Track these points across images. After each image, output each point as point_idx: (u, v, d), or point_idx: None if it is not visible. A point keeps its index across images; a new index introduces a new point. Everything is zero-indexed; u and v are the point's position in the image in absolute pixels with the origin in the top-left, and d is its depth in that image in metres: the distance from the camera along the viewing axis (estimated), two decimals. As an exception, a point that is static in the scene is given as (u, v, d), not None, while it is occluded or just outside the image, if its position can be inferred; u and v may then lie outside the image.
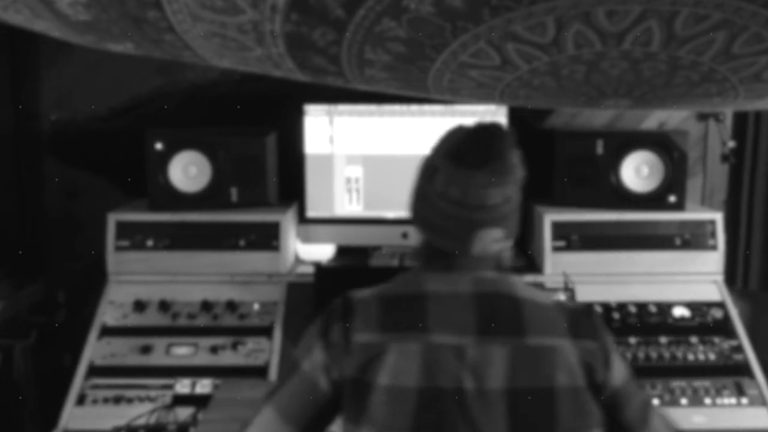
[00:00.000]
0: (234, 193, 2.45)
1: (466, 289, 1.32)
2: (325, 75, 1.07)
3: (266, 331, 2.25)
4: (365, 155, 2.48)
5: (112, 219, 2.38)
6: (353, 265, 2.47)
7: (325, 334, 1.32)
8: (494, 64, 0.95)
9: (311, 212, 2.53)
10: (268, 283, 2.35)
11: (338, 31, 0.90)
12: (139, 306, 2.29)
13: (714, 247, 2.38)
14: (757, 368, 2.16)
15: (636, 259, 2.37)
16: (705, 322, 2.27)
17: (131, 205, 2.52)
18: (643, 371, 2.15)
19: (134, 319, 2.28)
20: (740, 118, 2.70)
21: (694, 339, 2.23)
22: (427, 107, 2.48)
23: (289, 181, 2.55)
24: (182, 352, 2.20)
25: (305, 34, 0.92)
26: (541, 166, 2.54)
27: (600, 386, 1.31)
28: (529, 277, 2.38)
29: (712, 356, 2.19)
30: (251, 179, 2.45)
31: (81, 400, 2.10)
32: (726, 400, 2.08)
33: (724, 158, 2.71)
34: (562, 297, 2.20)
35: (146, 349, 2.20)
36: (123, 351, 2.20)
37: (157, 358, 2.18)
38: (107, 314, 2.29)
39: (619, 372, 1.35)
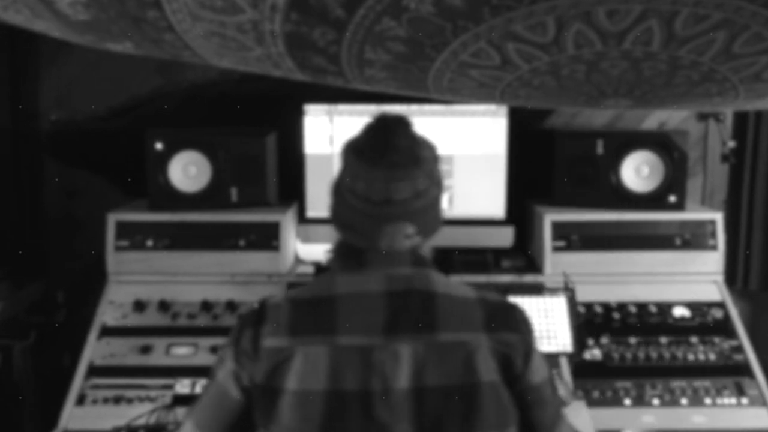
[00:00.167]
0: (234, 193, 2.45)
1: (378, 287, 1.30)
2: (325, 75, 1.07)
3: (266, 331, 2.24)
4: (365, 155, 2.47)
5: (112, 219, 2.38)
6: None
7: (237, 342, 1.32)
8: (494, 64, 0.95)
9: (311, 212, 2.53)
10: (268, 283, 2.35)
11: (338, 30, 0.90)
12: (139, 306, 2.29)
13: (714, 247, 2.38)
14: (757, 368, 2.17)
15: (636, 259, 2.37)
16: (705, 322, 2.27)
17: (131, 205, 2.52)
18: (643, 371, 2.15)
19: (134, 319, 2.28)
20: (740, 118, 2.70)
21: (694, 339, 2.23)
22: (427, 107, 2.48)
23: (289, 181, 2.55)
24: (182, 352, 2.20)
25: (305, 33, 0.92)
26: (541, 166, 2.55)
27: (514, 378, 1.29)
28: (529, 277, 2.38)
29: (712, 356, 2.19)
30: (251, 179, 2.45)
31: (81, 401, 2.09)
32: (726, 401, 2.08)
33: (725, 158, 2.71)
34: (561, 297, 2.20)
35: (146, 349, 2.20)
36: (123, 351, 2.20)
37: (157, 358, 2.18)
38: (107, 314, 2.29)
39: (538, 371, 1.33)
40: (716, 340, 2.23)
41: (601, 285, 2.35)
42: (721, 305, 2.32)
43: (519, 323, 1.33)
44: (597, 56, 0.91)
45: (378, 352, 1.25)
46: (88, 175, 2.79)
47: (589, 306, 2.31)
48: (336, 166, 2.49)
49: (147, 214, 2.41)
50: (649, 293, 2.34)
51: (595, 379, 2.14)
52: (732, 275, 2.66)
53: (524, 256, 2.54)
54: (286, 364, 1.26)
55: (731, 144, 2.69)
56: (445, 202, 2.50)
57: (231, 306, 2.29)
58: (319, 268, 2.35)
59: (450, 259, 2.52)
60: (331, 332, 1.27)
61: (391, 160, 1.30)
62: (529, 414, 1.33)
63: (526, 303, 2.20)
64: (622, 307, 2.31)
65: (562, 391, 2.04)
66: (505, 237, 2.51)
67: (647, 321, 2.28)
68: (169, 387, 2.11)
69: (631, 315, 2.29)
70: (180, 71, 2.70)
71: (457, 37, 0.88)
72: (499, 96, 1.08)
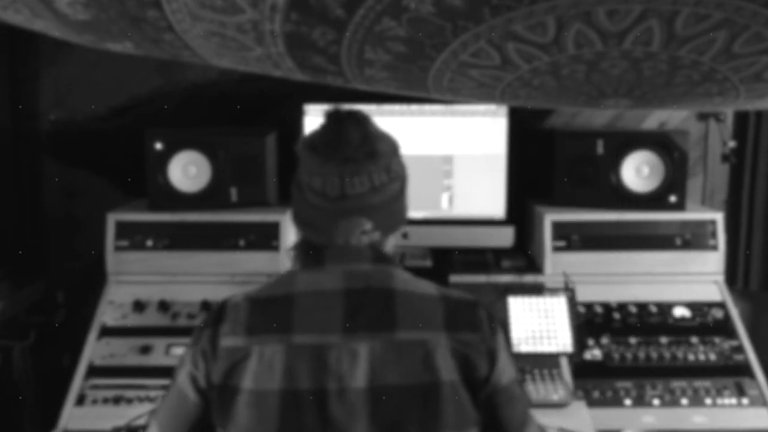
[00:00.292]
0: (234, 193, 2.45)
1: (336, 285, 1.29)
2: (324, 75, 1.07)
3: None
4: (365, 155, 2.48)
5: (112, 219, 2.38)
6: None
7: (196, 342, 1.31)
8: (494, 64, 0.94)
9: (311, 212, 2.52)
10: (268, 283, 2.34)
11: (338, 30, 0.90)
12: (139, 306, 2.29)
13: (714, 247, 2.37)
14: (757, 368, 2.16)
15: (636, 259, 2.37)
16: (705, 323, 2.27)
17: (131, 205, 2.52)
18: (644, 371, 2.15)
19: (134, 320, 2.28)
20: (741, 118, 2.70)
21: (694, 339, 2.23)
22: (427, 107, 2.48)
23: (289, 181, 2.53)
24: (182, 352, 2.19)
25: (305, 33, 0.92)
26: (542, 166, 2.55)
27: (480, 381, 1.26)
28: (530, 277, 2.38)
29: (712, 356, 2.19)
30: (251, 179, 2.44)
31: (80, 401, 2.09)
32: (726, 401, 2.08)
33: (725, 158, 2.71)
34: (562, 297, 2.20)
35: (146, 350, 2.19)
36: (122, 351, 2.20)
37: (156, 359, 2.18)
38: (107, 314, 2.29)
39: (504, 372, 1.30)
40: (716, 340, 2.23)
41: (602, 285, 2.35)
42: (721, 305, 2.32)
43: (480, 322, 1.30)
44: (597, 56, 0.91)
45: (335, 350, 1.23)
46: (88, 175, 2.79)
47: (589, 306, 2.31)
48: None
49: (147, 214, 2.41)
50: (650, 293, 2.34)
51: (596, 379, 2.13)
52: (732, 275, 2.66)
53: (524, 256, 2.54)
54: (242, 363, 1.25)
55: (732, 144, 2.68)
56: (445, 201, 2.51)
57: (231, 306, 2.29)
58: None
59: (450, 259, 2.52)
60: (287, 331, 1.25)
61: (344, 154, 1.29)
62: (497, 415, 1.30)
63: (526, 303, 2.20)
64: (622, 307, 2.31)
65: (562, 391, 2.04)
66: (505, 237, 2.50)
67: (647, 321, 2.28)
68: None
69: (632, 315, 2.29)
70: (180, 71, 2.70)
71: (457, 37, 0.88)
72: (499, 96, 1.08)
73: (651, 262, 2.37)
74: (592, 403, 2.06)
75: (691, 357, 2.19)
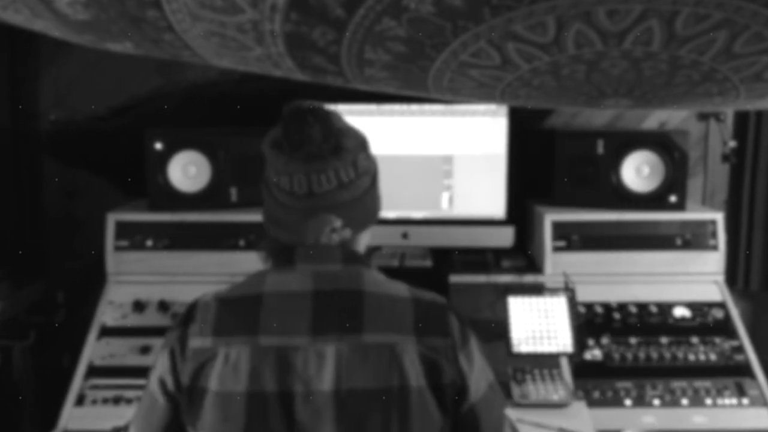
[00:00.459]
0: (234, 193, 2.45)
1: (305, 287, 1.27)
2: (324, 74, 1.07)
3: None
4: (365, 155, 2.48)
5: (112, 219, 2.38)
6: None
7: (167, 343, 1.30)
8: (494, 64, 0.94)
9: (311, 212, 2.52)
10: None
11: (338, 30, 0.89)
12: (139, 306, 2.29)
13: (715, 247, 2.37)
14: (758, 369, 2.16)
15: (636, 259, 2.37)
16: (706, 323, 2.27)
17: (130, 205, 2.52)
18: (644, 371, 2.15)
19: (133, 320, 2.28)
20: (741, 118, 2.70)
21: (694, 339, 2.23)
22: (427, 107, 2.48)
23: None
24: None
25: (305, 33, 0.92)
26: (542, 166, 2.55)
27: (446, 386, 1.24)
28: (530, 277, 2.38)
29: (712, 357, 2.19)
30: (251, 179, 2.44)
31: (80, 401, 2.09)
32: (727, 401, 2.08)
33: (725, 158, 2.71)
34: (562, 297, 2.20)
35: (145, 350, 2.19)
36: (122, 351, 2.20)
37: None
38: (106, 314, 2.29)
39: (481, 379, 1.29)
40: (717, 340, 2.23)
41: (602, 285, 2.35)
42: (721, 305, 2.32)
43: (451, 328, 1.28)
44: (597, 56, 0.91)
45: (301, 353, 1.22)
46: (88, 175, 2.79)
47: (589, 306, 2.31)
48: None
49: (146, 214, 2.40)
50: (650, 293, 2.34)
51: (596, 379, 2.13)
52: (733, 275, 2.66)
53: (524, 256, 2.54)
54: (209, 364, 1.24)
55: (732, 144, 2.68)
56: (445, 201, 2.51)
57: (231, 306, 2.29)
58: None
59: (450, 259, 2.52)
60: (253, 332, 1.24)
61: (308, 151, 1.26)
62: (478, 425, 1.29)
63: (527, 303, 2.20)
64: (622, 307, 2.31)
65: (562, 391, 2.04)
66: (505, 237, 2.50)
67: (648, 321, 2.28)
68: (169, 387, 2.11)
69: (632, 315, 2.29)
70: (180, 71, 2.70)
71: (457, 37, 0.88)
72: (499, 96, 1.07)
73: (651, 262, 2.36)
74: (592, 403, 2.06)
75: (691, 357, 2.18)
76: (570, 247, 2.38)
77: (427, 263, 2.50)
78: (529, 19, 0.83)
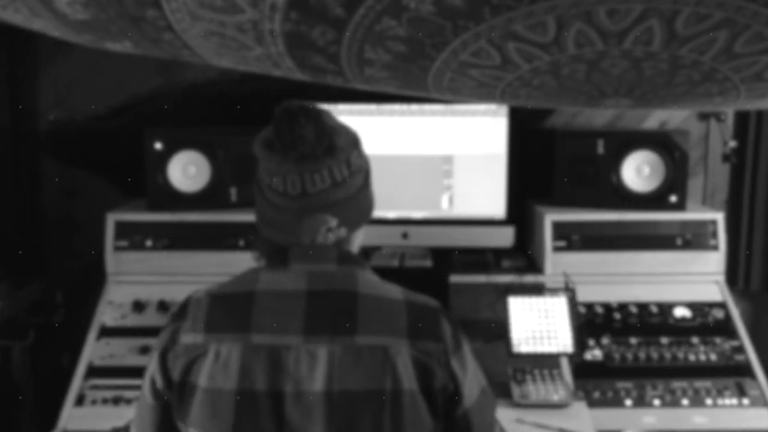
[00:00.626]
0: (233, 193, 2.44)
1: (299, 286, 1.26)
2: (324, 74, 1.07)
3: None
4: (365, 155, 2.48)
5: (111, 219, 2.37)
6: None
7: (161, 340, 1.30)
8: (495, 64, 0.94)
9: (311, 212, 2.52)
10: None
11: (338, 30, 0.89)
12: (138, 306, 2.29)
13: (715, 247, 2.37)
14: (758, 369, 2.16)
15: (637, 259, 2.36)
16: (706, 323, 2.27)
17: (130, 205, 2.52)
18: (644, 372, 2.15)
19: (133, 320, 2.27)
20: (741, 118, 2.69)
21: (695, 339, 2.23)
22: (427, 107, 2.48)
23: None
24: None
25: (305, 33, 0.91)
26: (542, 166, 2.55)
27: (438, 391, 1.23)
28: (530, 278, 2.37)
29: (713, 357, 2.18)
30: (251, 179, 2.41)
31: (80, 401, 2.09)
32: (727, 401, 2.08)
33: (726, 158, 2.71)
34: (562, 297, 2.19)
35: (145, 350, 2.19)
36: (122, 351, 2.20)
37: (156, 359, 2.17)
38: (106, 314, 2.29)
39: (474, 385, 1.28)
40: (717, 340, 2.23)
41: (602, 285, 2.35)
42: (722, 305, 2.31)
43: (443, 332, 1.26)
44: (597, 56, 0.91)
45: (293, 352, 1.21)
46: (88, 174, 2.78)
47: (589, 306, 2.30)
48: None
49: (146, 214, 2.40)
50: (650, 293, 2.33)
51: (596, 379, 2.13)
52: (733, 275, 2.65)
53: (524, 256, 2.53)
54: (200, 360, 1.23)
55: (732, 144, 2.68)
56: (445, 201, 2.51)
57: (231, 306, 2.29)
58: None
59: (450, 259, 2.52)
60: (245, 330, 1.23)
61: (301, 151, 1.25)
62: (468, 428, 1.29)
63: (527, 303, 2.19)
64: (622, 307, 2.31)
65: (562, 391, 2.04)
66: (505, 237, 2.50)
67: (648, 321, 2.27)
68: (169, 387, 2.11)
69: (632, 315, 2.29)
70: (179, 71, 2.70)
71: (458, 36, 0.88)
72: (499, 96, 1.07)
73: (651, 262, 2.36)
74: (592, 403, 2.06)
75: (691, 357, 2.18)
76: (570, 247, 2.38)
77: (427, 263, 2.50)
78: (530, 18, 0.83)
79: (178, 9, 0.92)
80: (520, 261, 2.49)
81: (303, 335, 1.22)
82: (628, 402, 2.08)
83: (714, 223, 2.39)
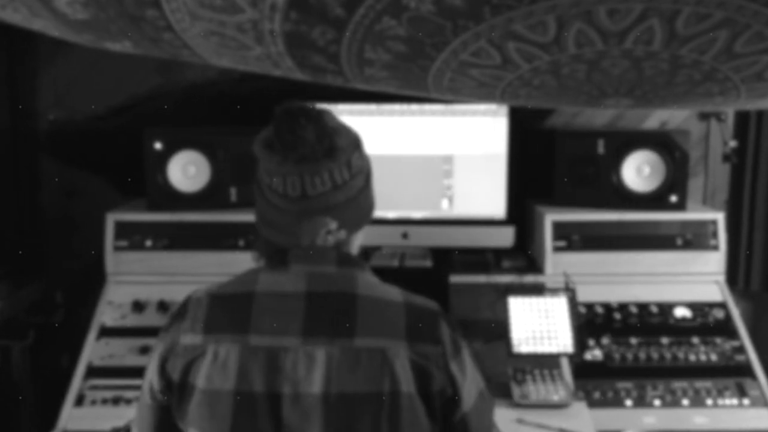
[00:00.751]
0: (233, 193, 2.44)
1: (298, 288, 1.26)
2: (324, 74, 1.07)
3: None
4: (365, 155, 2.47)
5: (111, 219, 2.37)
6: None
7: (159, 341, 1.30)
8: (495, 63, 0.94)
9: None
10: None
11: (338, 29, 0.89)
12: (138, 306, 2.29)
13: (715, 247, 2.37)
14: (758, 369, 2.16)
15: (637, 259, 2.36)
16: (706, 323, 2.27)
17: (130, 205, 2.51)
18: (644, 372, 2.15)
19: (133, 320, 2.27)
20: (742, 118, 2.69)
21: (695, 339, 2.22)
22: (427, 107, 2.48)
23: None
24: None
25: (305, 32, 0.91)
26: (542, 166, 2.55)
27: (436, 394, 1.23)
28: (530, 278, 2.37)
29: (713, 357, 2.18)
30: (250, 179, 2.40)
31: (80, 401, 2.09)
32: (727, 401, 2.07)
33: (726, 158, 2.70)
34: (562, 297, 2.19)
35: (145, 350, 2.19)
36: (121, 351, 2.20)
37: (156, 359, 2.17)
38: (106, 314, 2.28)
39: (472, 389, 1.28)
40: (717, 340, 2.23)
41: (602, 285, 2.35)
42: (722, 305, 2.31)
43: (442, 335, 1.26)
44: (598, 55, 0.91)
45: (291, 354, 1.21)
46: (87, 174, 2.78)
47: (590, 306, 2.30)
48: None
49: (146, 214, 2.40)
50: (650, 293, 2.33)
51: (596, 379, 2.13)
52: (733, 275, 2.65)
53: (525, 256, 2.53)
54: (198, 361, 1.23)
55: (733, 144, 2.68)
56: (445, 202, 2.51)
57: (230, 306, 2.29)
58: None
59: (450, 260, 2.52)
60: (244, 331, 1.23)
61: (301, 153, 1.24)
62: (465, 428, 1.28)
63: (527, 303, 2.19)
64: (623, 307, 2.31)
65: (562, 391, 2.04)
66: (505, 237, 2.50)
67: (648, 321, 2.27)
68: (169, 387, 2.11)
69: (632, 315, 2.28)
70: (179, 71, 2.70)
71: (458, 36, 0.87)
72: (499, 95, 1.07)
73: (652, 262, 2.36)
74: (592, 403, 2.06)
75: (692, 357, 2.18)
76: (570, 247, 2.38)
77: (427, 263, 2.50)
78: (530, 18, 0.83)
79: (178, 9, 0.92)
80: (521, 261, 2.49)
81: (301, 337, 1.22)
82: (629, 402, 2.08)
83: (714, 223, 2.38)
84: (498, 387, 2.03)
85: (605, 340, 2.23)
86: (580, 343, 2.15)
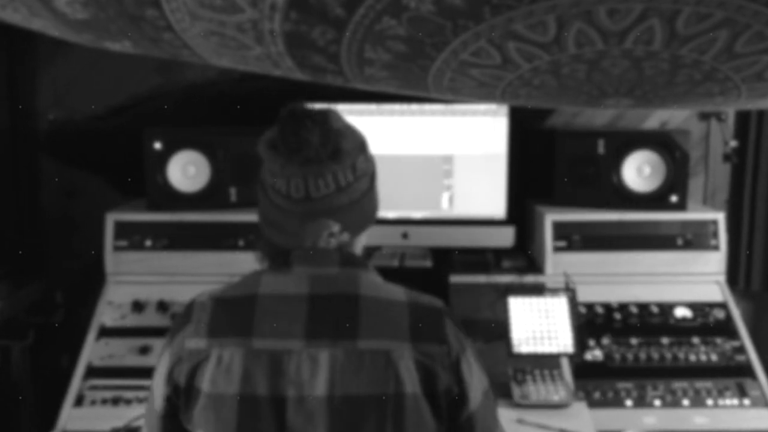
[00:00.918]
0: (233, 193, 2.44)
1: (301, 290, 1.25)
2: (324, 74, 1.06)
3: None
4: (365, 155, 2.47)
5: (111, 219, 2.37)
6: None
7: (166, 347, 1.30)
8: (495, 63, 0.94)
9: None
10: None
11: (338, 29, 0.89)
12: (138, 306, 2.29)
13: (716, 247, 2.37)
14: (759, 369, 2.16)
15: (637, 259, 2.36)
16: (707, 323, 2.27)
17: (129, 205, 2.51)
18: (645, 372, 2.15)
19: (132, 320, 2.27)
20: (742, 118, 2.69)
21: (695, 340, 2.22)
22: (427, 107, 2.48)
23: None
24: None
25: (305, 32, 0.91)
26: (542, 166, 2.55)
27: (441, 393, 1.22)
28: (530, 278, 2.37)
29: (714, 357, 2.18)
30: (250, 179, 2.42)
31: (79, 401, 2.09)
32: (728, 401, 2.07)
33: (726, 158, 2.70)
34: (562, 297, 2.19)
35: (144, 350, 2.19)
36: (121, 352, 2.20)
37: (155, 359, 2.15)
38: (105, 315, 2.28)
39: (478, 387, 1.27)
40: (718, 340, 2.22)
41: (603, 285, 2.35)
42: (722, 306, 2.31)
43: (447, 334, 1.25)
44: (598, 55, 0.91)
45: (295, 357, 1.20)
46: (87, 174, 2.78)
47: (590, 306, 2.30)
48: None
49: (145, 214, 2.40)
50: (651, 294, 2.33)
51: (596, 379, 2.13)
52: (734, 275, 2.65)
53: (525, 257, 2.53)
54: (203, 365, 1.23)
55: (733, 143, 2.68)
56: (445, 201, 2.51)
57: (230, 306, 2.29)
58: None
59: (450, 260, 2.52)
60: (247, 335, 1.23)
61: (305, 155, 1.24)
62: (471, 430, 1.28)
63: (527, 303, 2.19)
64: (623, 307, 2.30)
65: (563, 391, 2.03)
66: (505, 237, 2.50)
67: (648, 321, 2.27)
68: (168, 388, 2.11)
69: (633, 315, 2.28)
70: (179, 70, 2.70)
71: (458, 36, 0.87)
72: (499, 95, 1.07)
73: (652, 262, 2.36)
74: (593, 403, 2.06)
75: (692, 357, 2.18)
76: (571, 247, 2.38)
77: (427, 263, 2.50)
78: (530, 18, 0.83)
79: (178, 8, 0.92)
80: (521, 261, 2.49)
81: (305, 339, 1.22)
82: (629, 402, 2.08)
83: (715, 223, 2.38)
84: (498, 387, 2.03)
85: (605, 341, 2.23)
86: (581, 344, 2.15)
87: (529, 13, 0.82)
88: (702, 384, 2.11)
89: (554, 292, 2.25)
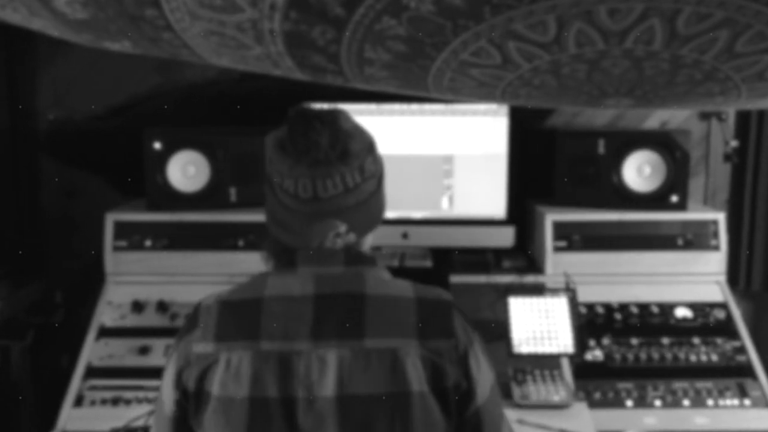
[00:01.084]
0: (233, 193, 2.44)
1: (306, 290, 1.25)
2: (324, 74, 1.06)
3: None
4: (365, 155, 2.47)
5: (110, 219, 2.37)
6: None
7: (175, 348, 1.30)
8: (495, 63, 0.94)
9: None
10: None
11: (338, 29, 0.89)
12: (137, 306, 2.28)
13: (716, 248, 2.37)
14: (759, 369, 2.16)
15: (638, 259, 2.36)
16: (707, 323, 2.26)
17: (129, 205, 2.51)
18: (645, 372, 2.14)
19: (132, 320, 2.27)
20: (743, 118, 2.69)
21: (696, 340, 2.22)
22: (427, 107, 2.47)
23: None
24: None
25: (304, 32, 0.91)
26: (542, 166, 2.54)
27: (450, 389, 1.23)
28: (530, 278, 2.37)
29: (714, 357, 2.18)
30: (250, 179, 2.44)
31: (79, 401, 2.09)
32: (728, 402, 2.07)
33: (727, 158, 2.70)
34: (563, 297, 2.19)
35: (144, 350, 2.19)
36: (121, 352, 2.20)
37: (155, 359, 2.17)
38: (105, 315, 2.28)
39: (486, 382, 1.27)
40: (718, 341, 2.22)
41: (603, 285, 2.35)
42: (723, 306, 2.31)
43: (454, 329, 1.25)
44: (598, 55, 0.91)
45: (303, 358, 1.20)
46: (87, 174, 2.78)
47: (590, 306, 2.30)
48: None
49: (145, 214, 2.40)
50: (651, 294, 2.33)
51: (597, 380, 2.13)
52: (734, 275, 2.65)
53: (525, 257, 2.53)
54: (212, 369, 1.23)
55: (733, 143, 2.68)
56: (445, 201, 2.50)
57: (230, 306, 2.28)
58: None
59: (450, 260, 2.52)
60: (255, 337, 1.23)
61: (314, 156, 1.24)
62: (481, 426, 1.28)
63: (527, 303, 2.19)
64: (623, 307, 2.30)
65: (563, 392, 2.03)
66: (505, 237, 2.50)
67: (649, 322, 2.27)
68: (168, 388, 2.10)
69: (633, 316, 2.28)
70: (179, 70, 2.70)
71: (458, 36, 0.87)
72: (499, 95, 1.07)
73: (652, 262, 2.36)
74: (593, 404, 2.06)
75: (692, 358, 2.18)
76: (571, 247, 2.37)
77: (427, 263, 2.50)
78: (530, 18, 0.82)
79: (178, 8, 0.92)
80: (521, 261, 2.49)
81: (312, 340, 1.22)
82: (629, 403, 2.07)
83: (715, 223, 2.38)
84: (498, 387, 2.03)
85: (606, 341, 2.22)
86: (581, 344, 2.15)
87: (529, 13, 0.82)
88: (702, 384, 2.11)
89: (554, 292, 2.25)
